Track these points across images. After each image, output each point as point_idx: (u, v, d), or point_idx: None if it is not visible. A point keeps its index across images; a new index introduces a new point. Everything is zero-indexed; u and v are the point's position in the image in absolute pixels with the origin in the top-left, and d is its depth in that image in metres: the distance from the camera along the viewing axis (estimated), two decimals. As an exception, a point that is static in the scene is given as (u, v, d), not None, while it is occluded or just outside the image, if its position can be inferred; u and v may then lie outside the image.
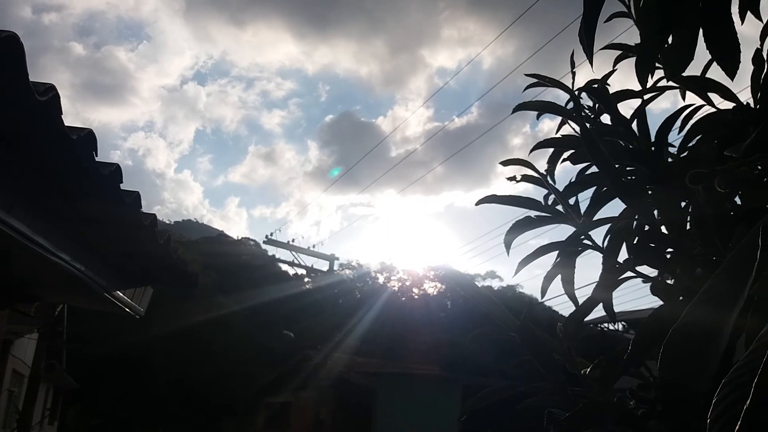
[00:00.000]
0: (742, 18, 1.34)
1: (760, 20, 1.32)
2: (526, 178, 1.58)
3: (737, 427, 0.52)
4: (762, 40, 1.35)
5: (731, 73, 1.08)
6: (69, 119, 1.62)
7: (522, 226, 1.52)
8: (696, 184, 0.71)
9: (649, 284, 1.33)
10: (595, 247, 1.44)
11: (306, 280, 30.31)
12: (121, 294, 3.25)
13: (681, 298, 1.22)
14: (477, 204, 1.64)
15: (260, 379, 20.51)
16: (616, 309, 1.36)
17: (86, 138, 1.68)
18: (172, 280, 3.22)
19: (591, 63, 0.89)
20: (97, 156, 1.76)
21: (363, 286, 41.69)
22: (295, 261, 20.36)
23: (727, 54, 1.05)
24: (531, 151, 1.68)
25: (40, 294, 3.80)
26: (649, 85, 1.54)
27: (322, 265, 20.90)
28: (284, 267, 31.50)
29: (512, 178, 1.59)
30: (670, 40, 1.05)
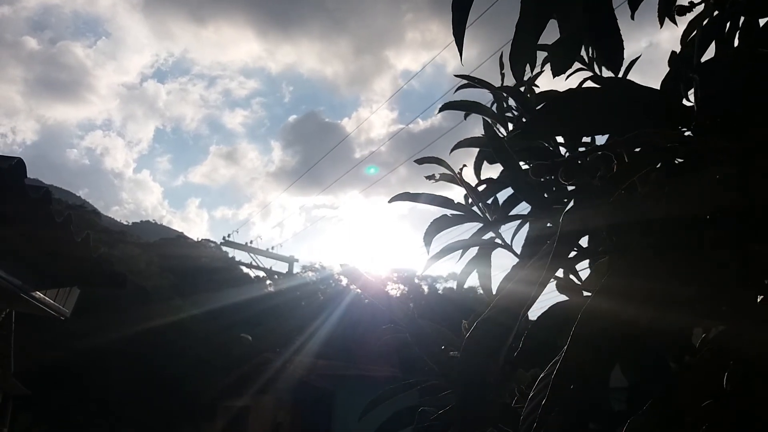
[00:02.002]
0: (661, 22, 1.36)
1: (676, 25, 1.35)
2: (444, 177, 1.58)
3: (535, 425, 0.50)
4: (682, 44, 1.38)
5: (615, 69, 1.09)
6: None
7: (438, 225, 1.52)
8: (537, 176, 0.69)
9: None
10: (504, 245, 1.44)
11: (268, 282, 30.04)
12: (42, 294, 3.11)
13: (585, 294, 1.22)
14: (390, 201, 1.64)
15: (218, 384, 20.20)
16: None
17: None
18: (96, 280, 3.09)
19: (461, 57, 0.88)
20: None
21: (326, 288, 41.44)
22: (254, 263, 20.11)
23: (609, 50, 1.05)
24: (451, 150, 1.70)
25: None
26: (575, 86, 1.56)
27: (282, 267, 20.71)
28: (245, 269, 31.14)
29: (431, 177, 1.59)
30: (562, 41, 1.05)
